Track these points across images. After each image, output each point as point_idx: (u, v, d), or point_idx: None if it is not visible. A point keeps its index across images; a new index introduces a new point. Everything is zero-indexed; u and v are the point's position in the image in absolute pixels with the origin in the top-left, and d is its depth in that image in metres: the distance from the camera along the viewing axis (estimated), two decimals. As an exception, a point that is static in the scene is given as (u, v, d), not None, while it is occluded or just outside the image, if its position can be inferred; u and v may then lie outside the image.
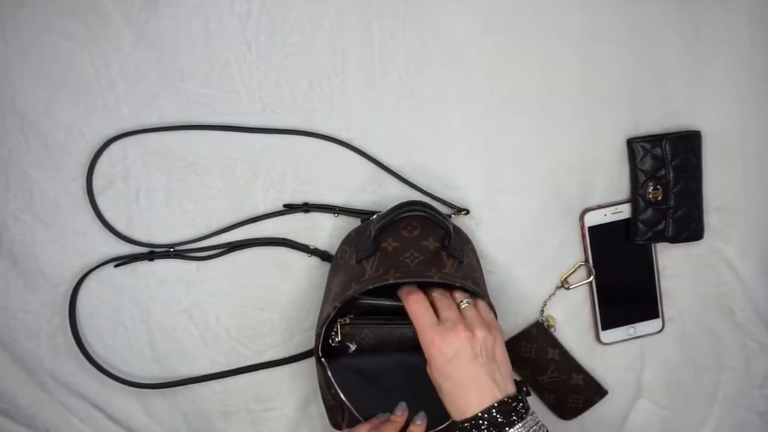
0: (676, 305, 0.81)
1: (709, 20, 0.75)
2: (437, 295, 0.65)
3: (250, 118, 0.77)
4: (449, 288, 0.66)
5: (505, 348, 0.64)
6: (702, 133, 0.77)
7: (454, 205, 0.77)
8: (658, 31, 0.76)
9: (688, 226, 0.76)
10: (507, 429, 0.59)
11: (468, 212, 0.77)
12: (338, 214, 0.78)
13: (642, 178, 0.76)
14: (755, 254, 0.79)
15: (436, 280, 0.64)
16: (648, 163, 0.76)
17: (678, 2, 0.75)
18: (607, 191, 0.79)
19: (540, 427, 0.60)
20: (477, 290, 0.65)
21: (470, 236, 0.77)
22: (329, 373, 0.67)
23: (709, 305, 0.81)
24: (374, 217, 0.70)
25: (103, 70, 0.76)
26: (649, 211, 0.76)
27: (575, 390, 0.79)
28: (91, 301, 0.79)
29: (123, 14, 0.75)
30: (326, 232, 0.79)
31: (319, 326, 0.67)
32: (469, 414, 0.59)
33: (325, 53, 0.76)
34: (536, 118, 0.78)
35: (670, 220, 0.76)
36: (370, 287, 0.64)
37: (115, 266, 0.78)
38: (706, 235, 0.78)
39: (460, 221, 0.78)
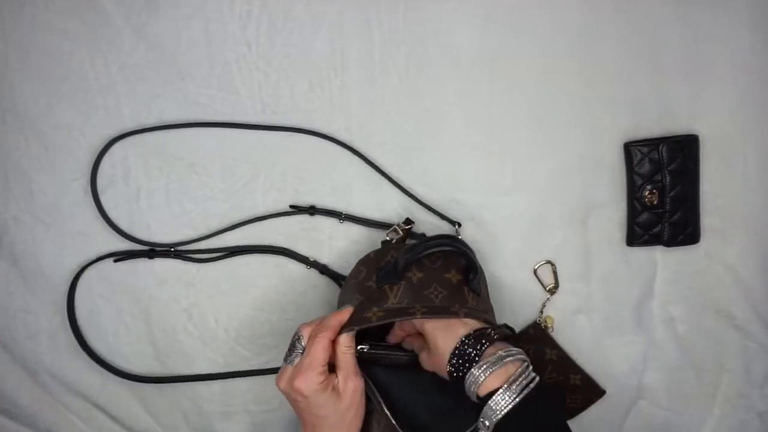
0: (676, 306, 0.81)
1: (709, 20, 0.75)
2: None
3: (251, 118, 0.77)
4: None
5: None
6: (701, 136, 0.77)
7: (447, 218, 0.77)
8: (658, 31, 0.76)
9: (684, 230, 0.77)
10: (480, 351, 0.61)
11: (460, 225, 0.78)
12: (343, 220, 0.78)
13: (639, 181, 0.76)
14: (755, 255, 0.79)
15: (461, 317, 0.64)
16: (645, 167, 0.76)
17: (678, 2, 0.75)
18: (608, 191, 0.79)
19: (522, 362, 0.61)
20: (492, 323, 0.65)
21: (470, 236, 0.77)
22: (371, 384, 0.67)
23: (709, 306, 0.81)
24: (401, 250, 0.68)
25: (103, 70, 0.76)
26: (645, 215, 0.77)
27: (573, 390, 0.79)
28: (91, 299, 0.79)
29: (123, 14, 0.75)
30: (326, 234, 0.79)
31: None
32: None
33: (325, 53, 0.76)
34: (536, 118, 0.77)
35: (666, 224, 0.76)
36: (396, 320, 0.64)
37: (115, 261, 0.78)
38: (705, 236, 0.78)
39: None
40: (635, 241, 0.78)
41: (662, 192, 0.76)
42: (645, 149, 0.76)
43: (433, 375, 0.66)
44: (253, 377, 0.80)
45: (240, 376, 0.80)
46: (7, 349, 0.79)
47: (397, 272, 0.66)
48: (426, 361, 0.66)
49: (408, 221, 0.76)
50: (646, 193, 0.76)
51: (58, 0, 0.74)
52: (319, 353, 0.63)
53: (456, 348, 0.62)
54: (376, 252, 0.72)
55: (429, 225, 0.78)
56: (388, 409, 0.66)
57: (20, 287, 0.78)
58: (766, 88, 0.77)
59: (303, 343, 0.65)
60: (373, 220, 0.78)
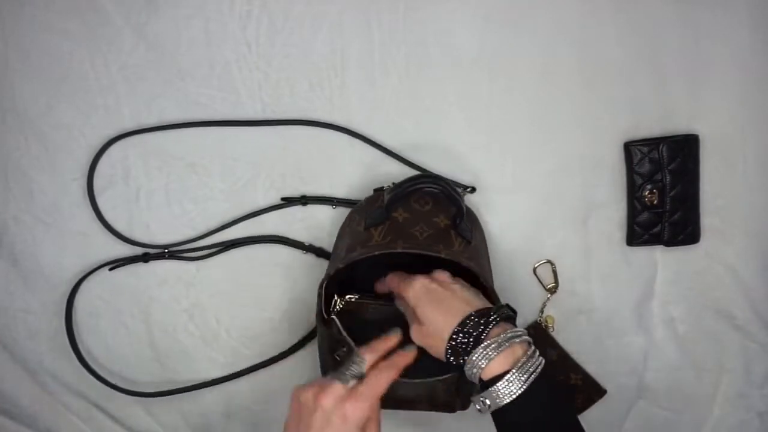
0: (676, 306, 0.81)
1: (709, 20, 0.75)
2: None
3: (251, 118, 0.77)
4: (454, 268, 0.66)
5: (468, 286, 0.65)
6: (701, 136, 0.77)
7: (460, 184, 0.77)
8: (658, 31, 0.76)
9: (684, 230, 0.77)
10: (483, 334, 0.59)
11: (474, 190, 0.77)
12: (336, 205, 0.78)
13: (639, 181, 0.76)
14: (755, 255, 0.79)
15: (443, 256, 0.64)
16: (645, 167, 0.76)
17: (678, 2, 0.75)
18: (608, 191, 0.79)
19: (528, 344, 0.60)
20: (479, 272, 0.64)
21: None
22: (339, 324, 0.65)
23: (710, 306, 0.81)
24: (387, 186, 0.70)
25: (103, 71, 0.76)
26: (645, 215, 0.77)
27: (574, 390, 0.79)
28: (91, 301, 0.79)
29: (123, 14, 0.75)
30: (326, 228, 0.79)
31: (320, 286, 0.67)
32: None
33: (325, 53, 0.76)
34: (536, 118, 0.77)
35: (666, 224, 0.77)
36: (376, 253, 0.64)
37: (110, 269, 0.78)
38: (706, 235, 0.78)
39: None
40: (635, 240, 0.78)
41: (662, 192, 0.76)
42: (645, 149, 0.76)
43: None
44: (255, 377, 0.80)
45: (241, 376, 0.80)
46: (7, 349, 0.79)
47: (383, 212, 0.67)
48: (417, 334, 0.64)
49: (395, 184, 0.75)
50: (646, 193, 0.76)
51: (58, 0, 0.74)
52: (381, 387, 0.60)
53: (458, 327, 0.60)
54: (368, 199, 0.73)
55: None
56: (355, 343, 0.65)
57: (20, 287, 0.78)
58: (766, 88, 0.77)
59: (362, 368, 0.62)
60: None
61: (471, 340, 0.60)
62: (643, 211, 0.77)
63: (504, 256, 0.79)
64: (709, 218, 0.79)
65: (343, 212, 0.78)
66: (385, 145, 0.77)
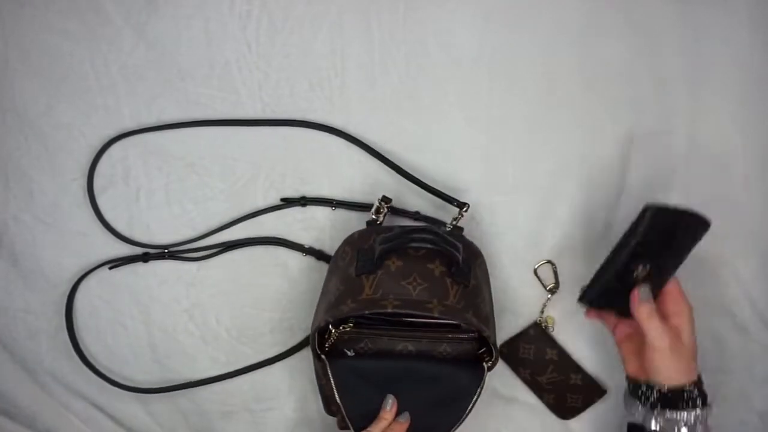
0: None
1: (709, 20, 0.75)
2: None
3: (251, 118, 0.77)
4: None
5: None
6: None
7: (454, 199, 0.76)
8: (658, 31, 0.76)
9: (625, 299, 0.67)
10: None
11: (468, 206, 0.74)
12: (335, 207, 0.78)
13: (639, 250, 0.65)
14: (756, 255, 0.79)
15: (436, 315, 0.61)
16: (653, 237, 0.64)
17: (678, 2, 0.75)
18: (607, 191, 0.79)
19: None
20: (477, 327, 0.63)
21: (470, 236, 0.77)
22: (329, 372, 0.65)
23: (710, 307, 0.80)
24: (379, 237, 0.66)
25: (103, 70, 0.76)
26: (618, 285, 0.66)
27: (574, 390, 0.79)
28: (91, 301, 0.79)
29: (123, 14, 0.75)
30: (326, 229, 0.79)
31: (313, 329, 0.65)
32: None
33: (325, 53, 0.76)
34: (536, 118, 0.77)
35: (624, 291, 0.67)
36: (366, 312, 0.62)
37: (110, 269, 0.78)
38: (706, 236, 0.78)
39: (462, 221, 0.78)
40: (593, 303, 0.68)
41: (646, 269, 0.66)
42: (656, 221, 0.64)
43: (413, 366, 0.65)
44: (254, 377, 0.80)
45: (240, 374, 0.80)
46: (7, 349, 0.79)
47: (374, 262, 0.64)
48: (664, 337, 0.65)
49: (386, 198, 0.73)
50: (640, 269, 0.65)
51: (58, 0, 0.75)
52: None
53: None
54: (360, 233, 0.71)
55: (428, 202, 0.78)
56: (340, 399, 0.65)
57: (20, 287, 0.78)
58: (766, 88, 0.77)
59: None
60: (365, 203, 0.78)
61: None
62: (618, 281, 0.66)
63: (504, 256, 0.79)
64: (709, 218, 0.78)
65: (343, 213, 0.78)
66: (384, 147, 0.77)
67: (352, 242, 0.70)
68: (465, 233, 0.77)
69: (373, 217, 0.73)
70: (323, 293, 0.70)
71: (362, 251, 0.67)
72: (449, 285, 0.64)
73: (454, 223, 0.73)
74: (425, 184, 0.76)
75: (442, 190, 0.77)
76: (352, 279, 0.65)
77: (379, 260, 0.64)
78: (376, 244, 0.65)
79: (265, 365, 0.79)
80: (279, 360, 0.79)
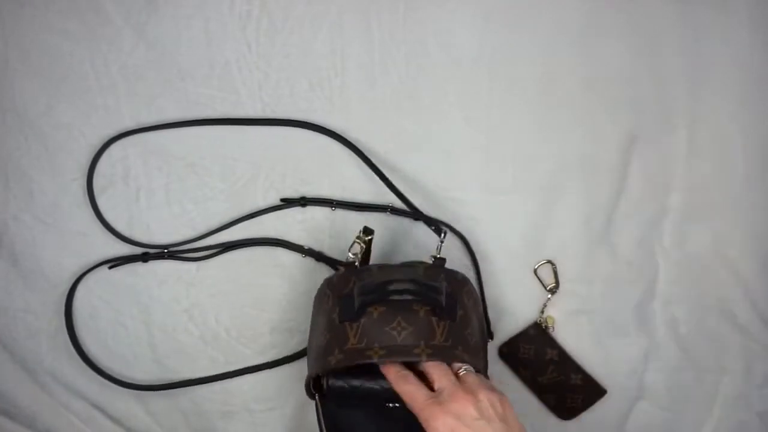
0: (678, 307, 0.81)
1: (709, 20, 0.75)
2: (429, 363, 0.60)
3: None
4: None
5: (514, 411, 0.58)
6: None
7: (441, 222, 0.76)
8: (658, 31, 0.76)
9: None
10: None
11: (446, 233, 0.71)
12: (335, 207, 0.78)
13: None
14: (756, 255, 0.79)
15: (423, 359, 0.59)
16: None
17: (678, 2, 0.75)
18: (608, 191, 0.79)
19: None
20: (468, 362, 0.61)
21: (470, 236, 0.77)
22: (319, 413, 0.65)
23: (710, 307, 0.80)
24: (357, 287, 0.64)
25: (103, 70, 0.76)
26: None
27: (574, 390, 0.79)
28: (90, 301, 0.79)
29: (123, 14, 0.75)
30: (325, 230, 0.79)
31: (306, 380, 0.64)
32: None
33: (325, 53, 0.76)
34: (536, 118, 0.78)
35: None
36: (353, 363, 0.60)
37: (109, 268, 0.78)
38: (706, 236, 0.78)
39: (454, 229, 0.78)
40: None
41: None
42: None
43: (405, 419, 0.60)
44: (254, 377, 0.80)
45: (240, 375, 0.80)
46: (6, 349, 0.79)
47: (356, 311, 0.62)
48: None
49: (367, 231, 0.69)
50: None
51: (58, 0, 0.75)
52: None
53: None
54: (339, 277, 0.67)
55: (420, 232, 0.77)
56: None
57: (20, 287, 0.78)
58: (766, 88, 0.77)
59: None
60: (365, 204, 0.78)
61: None
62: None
63: (504, 256, 0.79)
64: (709, 218, 0.79)
65: (343, 214, 0.78)
66: (384, 147, 0.78)
67: (332, 287, 0.67)
68: (465, 233, 0.78)
69: (350, 256, 0.68)
70: (312, 329, 0.68)
71: (343, 297, 0.64)
72: (435, 324, 0.62)
73: (437, 254, 0.69)
74: (411, 203, 0.77)
75: (443, 193, 0.77)
76: (336, 326, 0.63)
77: (358, 312, 0.62)
78: (355, 294, 0.63)
79: (265, 368, 0.79)
80: (279, 365, 0.79)
